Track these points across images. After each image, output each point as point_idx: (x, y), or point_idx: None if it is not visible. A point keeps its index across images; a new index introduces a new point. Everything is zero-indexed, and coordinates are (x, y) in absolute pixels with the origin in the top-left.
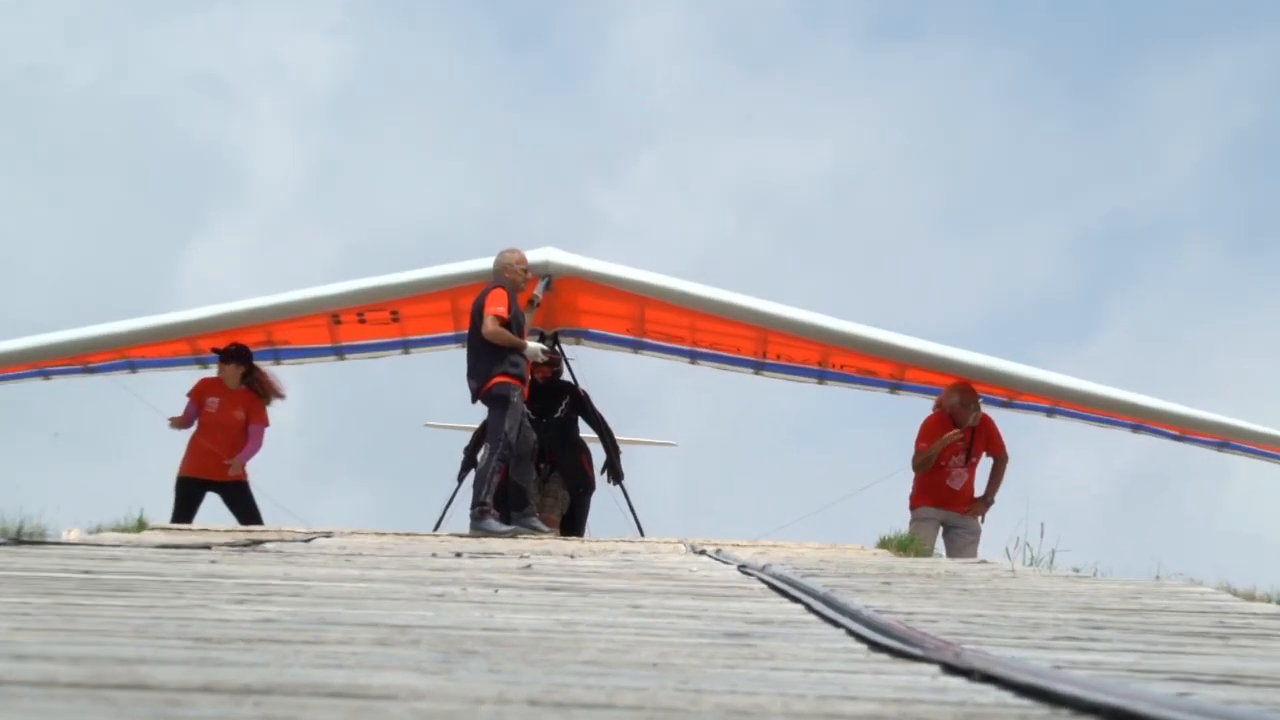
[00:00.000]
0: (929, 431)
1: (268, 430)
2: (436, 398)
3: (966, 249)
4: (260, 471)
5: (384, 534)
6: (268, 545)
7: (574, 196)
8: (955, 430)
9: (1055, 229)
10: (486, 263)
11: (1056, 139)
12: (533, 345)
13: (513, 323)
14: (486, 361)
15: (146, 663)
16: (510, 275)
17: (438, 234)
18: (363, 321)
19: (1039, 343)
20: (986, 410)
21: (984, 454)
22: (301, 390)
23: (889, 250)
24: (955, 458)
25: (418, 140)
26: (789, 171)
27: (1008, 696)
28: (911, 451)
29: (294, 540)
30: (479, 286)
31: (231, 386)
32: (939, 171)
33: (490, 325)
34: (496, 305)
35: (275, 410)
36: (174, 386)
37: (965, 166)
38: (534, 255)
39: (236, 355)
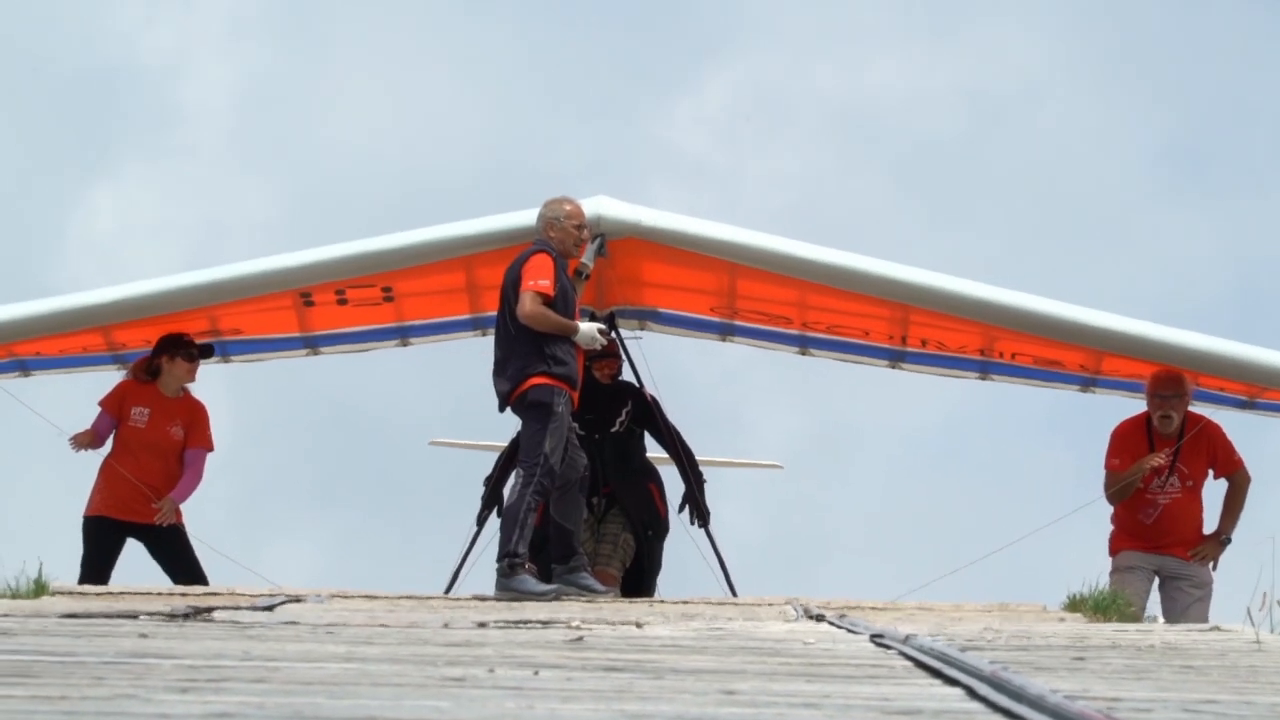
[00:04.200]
0: (1122, 442)
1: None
2: (446, 406)
3: (1189, 203)
4: (184, 511)
5: (376, 597)
6: (216, 614)
7: (623, 127)
8: (1157, 454)
9: None
10: (520, 218)
11: None
12: (587, 326)
13: (559, 300)
14: (522, 355)
15: None
16: (558, 235)
17: (429, 183)
18: (343, 302)
19: None
20: (1214, 411)
21: (1209, 473)
22: (249, 391)
23: (1071, 202)
24: (1158, 480)
25: (397, 53)
26: (907, 89)
27: None
28: (1102, 472)
29: (252, 607)
30: (508, 253)
31: (170, 394)
32: (1147, 94)
33: (530, 304)
34: (539, 276)
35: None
36: (79, 394)
37: (1190, 87)
38: (582, 208)
39: (201, 349)
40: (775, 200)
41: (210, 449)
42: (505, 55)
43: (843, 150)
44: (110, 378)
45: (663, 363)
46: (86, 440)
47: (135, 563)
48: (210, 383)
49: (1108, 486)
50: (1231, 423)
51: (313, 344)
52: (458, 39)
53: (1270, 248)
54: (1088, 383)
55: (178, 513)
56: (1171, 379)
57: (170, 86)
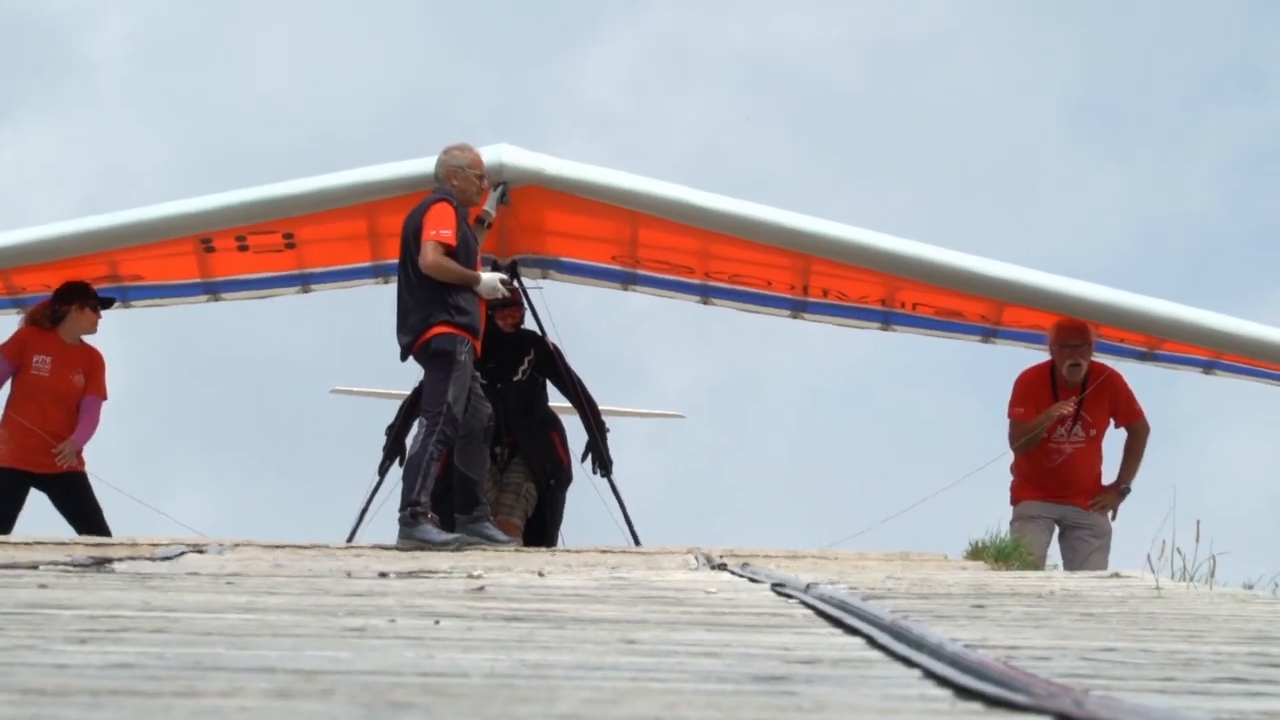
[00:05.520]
0: (1025, 391)
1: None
2: (348, 353)
3: (1095, 159)
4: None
5: (278, 547)
6: (117, 564)
7: (528, 76)
8: (1063, 402)
9: (1227, 138)
10: (421, 165)
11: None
12: (489, 276)
13: (460, 250)
14: (424, 305)
15: None
16: (460, 184)
17: (332, 133)
18: (244, 248)
19: (1204, 290)
20: (1115, 362)
21: (1111, 423)
22: (149, 338)
23: (978, 156)
24: (1062, 429)
25: (300, 1)
26: (813, 41)
27: None
28: (1005, 421)
29: (153, 557)
30: (410, 200)
31: (70, 341)
32: (1056, 49)
33: (431, 255)
34: (440, 226)
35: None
36: None
37: (1099, 43)
38: (483, 156)
39: (102, 299)
40: (680, 150)
41: (105, 398)
42: (409, 2)
43: (749, 101)
44: (4, 323)
45: (564, 312)
46: None
47: (39, 513)
48: (105, 328)
49: (1012, 435)
50: (1136, 375)
51: (213, 290)
52: None
53: (1174, 204)
54: (989, 333)
55: (80, 460)
56: (1077, 328)
57: (73, 35)
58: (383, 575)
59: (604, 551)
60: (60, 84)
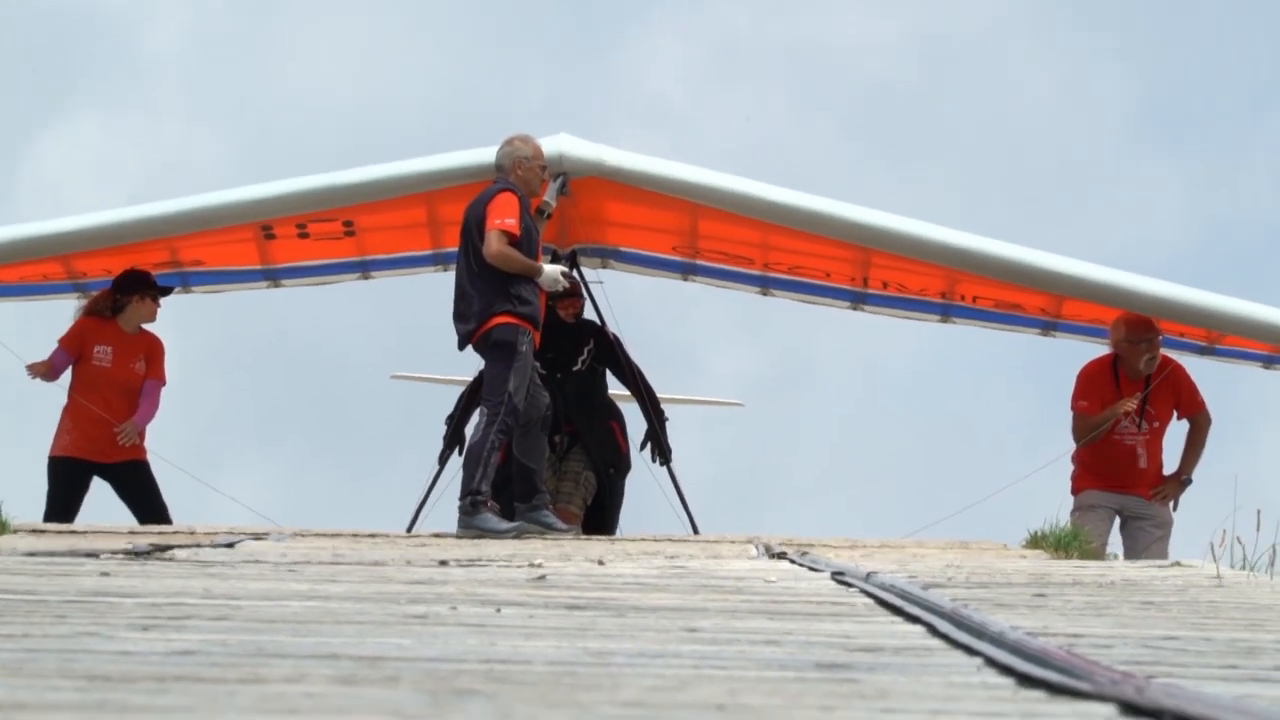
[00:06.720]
0: (1089, 384)
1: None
2: (407, 339)
3: (1156, 155)
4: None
5: (338, 535)
6: (177, 551)
7: (582, 70)
8: (1128, 399)
9: None
10: (482, 154)
11: None
12: (550, 268)
13: (523, 241)
14: (485, 294)
15: (25, 709)
16: (523, 174)
17: (386, 127)
18: (304, 235)
19: (1264, 287)
20: (1175, 357)
21: (1174, 415)
22: (205, 326)
23: (1035, 151)
24: (1126, 420)
25: None
26: (867, 34)
27: None
28: (1069, 413)
29: (213, 544)
30: (470, 189)
31: (130, 330)
32: (1115, 44)
33: (496, 244)
34: (505, 215)
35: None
36: (40, 322)
37: (1159, 38)
38: (543, 146)
39: (161, 287)
40: (733, 143)
41: (165, 383)
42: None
43: (801, 95)
44: (67, 307)
45: (620, 300)
46: (42, 370)
47: (99, 502)
48: (163, 315)
49: (1076, 428)
50: (1197, 366)
51: (273, 276)
52: None
53: (1233, 201)
54: (1048, 326)
55: (141, 449)
56: (1145, 322)
57: (128, 31)
58: (443, 563)
59: (663, 540)
60: (115, 80)
